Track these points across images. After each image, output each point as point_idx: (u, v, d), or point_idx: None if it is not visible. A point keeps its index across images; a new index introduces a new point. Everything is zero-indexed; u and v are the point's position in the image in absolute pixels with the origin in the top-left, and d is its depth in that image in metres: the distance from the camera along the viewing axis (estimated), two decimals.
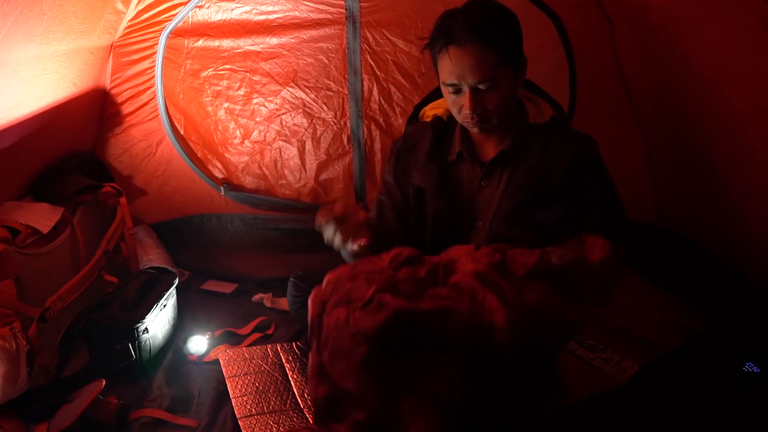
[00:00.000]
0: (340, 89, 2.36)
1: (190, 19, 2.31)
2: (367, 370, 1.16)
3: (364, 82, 2.33)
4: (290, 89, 2.38)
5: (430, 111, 1.66)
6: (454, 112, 1.47)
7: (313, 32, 2.31)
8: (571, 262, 1.24)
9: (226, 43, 2.34)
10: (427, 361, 1.17)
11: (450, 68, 1.37)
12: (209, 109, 2.43)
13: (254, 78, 2.38)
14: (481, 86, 1.36)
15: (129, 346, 1.72)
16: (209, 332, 2.00)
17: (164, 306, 1.93)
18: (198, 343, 1.92)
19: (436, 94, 1.67)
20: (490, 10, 1.38)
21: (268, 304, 2.26)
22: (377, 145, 2.40)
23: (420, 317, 1.17)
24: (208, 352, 1.91)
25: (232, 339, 2.03)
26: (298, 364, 1.82)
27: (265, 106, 2.41)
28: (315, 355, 1.27)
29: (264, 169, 2.48)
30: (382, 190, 1.70)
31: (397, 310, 1.16)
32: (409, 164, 1.60)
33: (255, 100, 2.41)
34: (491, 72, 1.34)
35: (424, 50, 1.45)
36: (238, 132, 2.45)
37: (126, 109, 2.42)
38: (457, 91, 1.40)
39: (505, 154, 1.48)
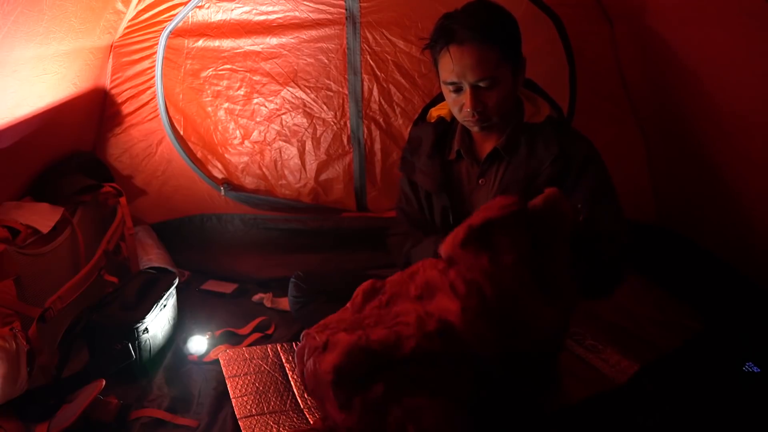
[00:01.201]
0: (340, 89, 2.36)
1: (190, 20, 2.31)
2: (345, 409, 1.21)
3: (364, 83, 2.34)
4: (290, 89, 2.38)
5: (435, 112, 1.68)
6: (455, 112, 1.49)
7: (313, 32, 2.31)
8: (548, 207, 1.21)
9: (226, 43, 2.34)
10: (412, 399, 1.20)
11: (450, 67, 1.39)
12: (209, 109, 2.43)
13: (254, 78, 2.38)
14: (481, 84, 1.38)
15: (129, 346, 1.72)
16: (209, 332, 2.00)
17: (164, 306, 1.93)
18: (198, 343, 1.92)
19: (443, 96, 1.69)
20: (489, 11, 1.40)
21: (268, 304, 2.26)
22: (377, 146, 2.40)
23: (373, 346, 1.22)
24: (208, 352, 1.91)
25: (232, 339, 2.03)
26: None
27: (265, 106, 2.41)
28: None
29: (264, 169, 2.48)
30: (401, 198, 1.76)
31: (348, 345, 1.22)
32: (414, 166, 1.65)
33: (255, 100, 2.41)
34: (491, 70, 1.36)
35: (424, 50, 1.47)
36: (238, 132, 2.45)
37: (126, 109, 2.42)
38: (458, 89, 1.42)
39: (497, 152, 1.50)
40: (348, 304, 1.43)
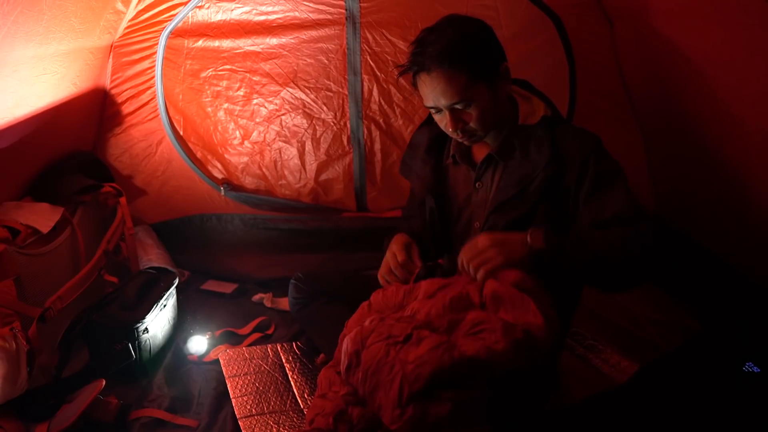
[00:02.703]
0: (340, 90, 2.36)
1: (190, 20, 2.31)
2: (399, 407, 1.15)
3: (364, 83, 2.34)
4: (290, 90, 2.38)
5: None
6: (443, 128, 1.50)
7: (313, 33, 2.31)
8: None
9: (226, 43, 2.34)
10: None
11: (424, 93, 1.43)
12: (209, 109, 2.43)
13: (254, 78, 2.38)
14: (457, 106, 1.40)
15: (129, 346, 1.72)
16: (209, 332, 2.00)
17: (164, 306, 1.93)
18: (198, 343, 1.92)
19: None
20: (455, 33, 1.38)
21: (268, 304, 2.26)
22: (377, 146, 2.40)
23: (462, 358, 1.17)
24: (208, 352, 1.91)
25: (232, 339, 2.03)
26: (298, 364, 1.83)
27: (265, 107, 2.41)
28: (347, 384, 1.30)
29: (264, 169, 2.48)
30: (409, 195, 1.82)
31: (439, 345, 1.17)
32: (411, 167, 1.68)
33: (255, 101, 2.41)
34: (462, 94, 1.37)
35: (399, 77, 1.48)
36: (237, 133, 2.45)
37: (126, 109, 2.42)
38: (438, 111, 1.45)
39: (492, 157, 1.50)
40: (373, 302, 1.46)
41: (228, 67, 2.37)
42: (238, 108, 2.42)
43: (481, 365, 1.16)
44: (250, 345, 1.96)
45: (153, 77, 2.38)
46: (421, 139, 1.66)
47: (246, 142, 2.46)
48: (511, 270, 1.30)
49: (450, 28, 1.39)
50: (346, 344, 1.30)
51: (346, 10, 2.26)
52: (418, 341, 1.21)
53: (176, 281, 2.04)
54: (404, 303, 1.44)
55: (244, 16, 2.30)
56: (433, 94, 1.40)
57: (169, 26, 2.31)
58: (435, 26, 1.41)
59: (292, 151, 2.45)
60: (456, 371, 1.16)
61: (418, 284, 1.45)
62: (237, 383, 1.71)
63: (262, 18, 2.30)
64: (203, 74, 2.39)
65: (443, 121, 1.45)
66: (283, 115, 2.41)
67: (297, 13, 2.28)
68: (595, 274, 1.34)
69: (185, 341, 1.95)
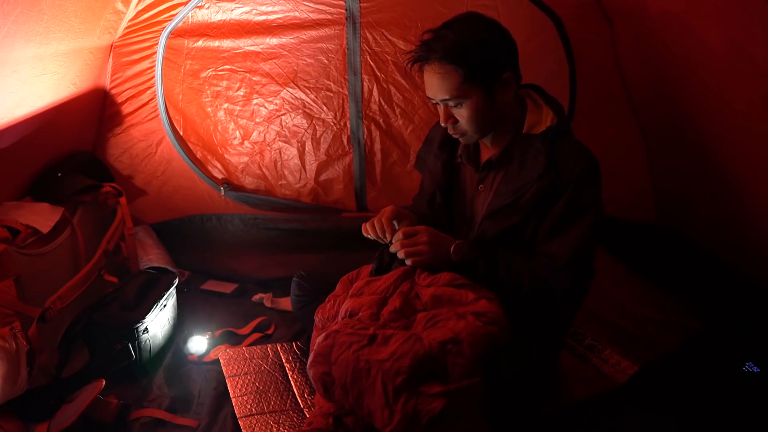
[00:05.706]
0: (340, 90, 2.36)
1: (190, 20, 2.31)
2: (387, 408, 1.15)
3: (364, 83, 2.33)
4: (290, 90, 2.38)
5: None
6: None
7: (313, 33, 2.31)
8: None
9: (226, 43, 2.34)
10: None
11: (425, 82, 1.46)
12: (209, 109, 2.43)
13: (254, 78, 2.38)
14: (449, 103, 1.42)
15: (129, 346, 1.72)
16: (209, 332, 2.00)
17: (164, 306, 1.93)
18: (198, 343, 1.92)
19: None
20: (462, 32, 1.38)
21: (268, 304, 2.26)
22: (377, 146, 2.40)
23: (434, 345, 1.21)
24: (208, 352, 1.91)
25: (232, 339, 2.03)
26: (298, 364, 1.83)
27: (265, 107, 2.41)
28: (332, 402, 1.30)
29: (264, 169, 2.48)
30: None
31: (409, 338, 1.21)
32: (425, 161, 1.70)
33: (255, 101, 2.41)
34: (453, 91, 1.39)
35: (407, 64, 1.48)
36: (237, 133, 2.45)
37: (126, 109, 2.42)
38: (436, 103, 1.47)
39: (491, 162, 1.50)
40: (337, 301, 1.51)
41: (228, 67, 2.37)
42: (238, 108, 2.42)
43: (455, 345, 1.21)
44: (250, 345, 1.96)
45: (153, 77, 2.38)
46: (435, 135, 1.68)
47: (246, 142, 2.46)
48: (442, 273, 1.40)
49: (460, 26, 1.40)
50: (311, 370, 1.30)
51: (346, 10, 2.25)
52: (384, 340, 1.23)
53: (176, 281, 2.04)
54: (337, 311, 1.49)
55: (244, 16, 2.30)
56: (429, 85, 1.43)
57: (169, 26, 2.31)
58: (450, 22, 1.42)
59: (292, 151, 2.45)
60: (432, 357, 1.19)
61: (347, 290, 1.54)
62: (237, 383, 1.71)
63: (262, 18, 2.30)
64: (203, 74, 2.38)
65: (439, 113, 1.48)
66: (283, 115, 2.41)
67: (297, 13, 2.28)
68: (505, 296, 1.40)
69: (185, 341, 1.95)
